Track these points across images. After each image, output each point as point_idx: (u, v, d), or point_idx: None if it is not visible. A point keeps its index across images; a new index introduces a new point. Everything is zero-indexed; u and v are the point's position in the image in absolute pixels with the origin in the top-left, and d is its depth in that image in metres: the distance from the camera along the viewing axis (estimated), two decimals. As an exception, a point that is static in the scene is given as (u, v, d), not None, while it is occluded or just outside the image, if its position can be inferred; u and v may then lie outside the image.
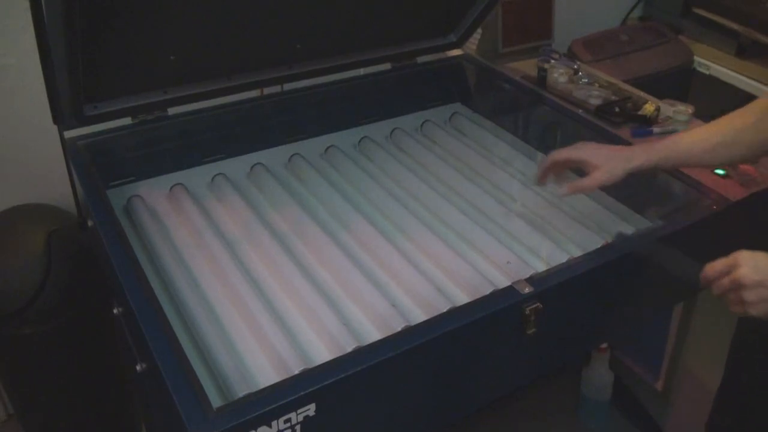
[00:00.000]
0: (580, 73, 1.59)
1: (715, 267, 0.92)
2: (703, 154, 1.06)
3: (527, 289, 0.96)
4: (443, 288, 1.09)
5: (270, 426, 0.78)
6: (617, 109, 1.45)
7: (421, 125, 1.60)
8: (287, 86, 1.46)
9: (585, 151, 1.10)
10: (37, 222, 1.43)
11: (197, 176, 1.36)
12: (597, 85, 1.55)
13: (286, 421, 0.79)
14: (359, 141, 1.52)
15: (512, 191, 1.36)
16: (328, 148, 1.48)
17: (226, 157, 1.41)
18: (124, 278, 0.96)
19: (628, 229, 1.22)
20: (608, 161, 1.07)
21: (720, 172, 1.25)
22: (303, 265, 1.14)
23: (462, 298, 1.06)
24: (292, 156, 1.44)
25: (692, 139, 1.08)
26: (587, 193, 1.14)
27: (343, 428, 0.89)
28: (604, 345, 1.67)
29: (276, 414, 0.78)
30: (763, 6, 1.87)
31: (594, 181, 1.07)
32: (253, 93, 1.43)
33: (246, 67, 1.33)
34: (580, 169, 1.12)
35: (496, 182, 1.40)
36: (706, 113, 1.26)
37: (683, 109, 1.43)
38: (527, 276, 1.01)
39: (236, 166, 1.40)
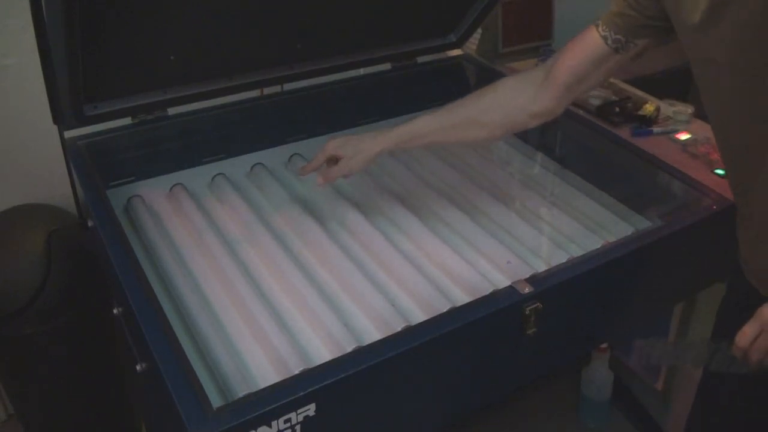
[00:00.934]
0: (580, 73, 1.59)
1: (746, 334, 0.88)
2: (447, 137, 1.15)
3: (527, 289, 0.96)
4: (443, 288, 1.09)
5: (270, 426, 0.78)
6: (617, 109, 1.45)
7: (421, 125, 1.60)
8: (287, 86, 1.46)
9: (330, 145, 1.17)
10: (37, 222, 1.43)
11: (197, 176, 1.36)
12: (597, 85, 1.55)
13: (286, 421, 0.79)
14: (359, 141, 1.52)
15: (512, 191, 1.36)
16: (328, 148, 1.48)
17: (226, 157, 1.41)
18: (124, 278, 0.95)
19: (628, 229, 1.22)
20: (354, 149, 1.15)
21: (720, 172, 1.25)
22: (303, 265, 1.14)
23: (462, 298, 1.06)
24: (292, 156, 1.44)
25: (431, 123, 1.15)
26: (337, 177, 1.19)
27: (343, 428, 0.89)
28: (604, 345, 1.67)
29: (276, 414, 0.78)
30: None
31: (343, 170, 1.14)
32: (253, 93, 1.43)
33: (246, 67, 1.33)
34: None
35: (496, 182, 1.40)
36: (706, 113, 1.26)
37: (683, 109, 1.43)
38: (527, 276, 1.01)
39: (236, 166, 1.40)
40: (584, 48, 1.03)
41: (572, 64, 1.04)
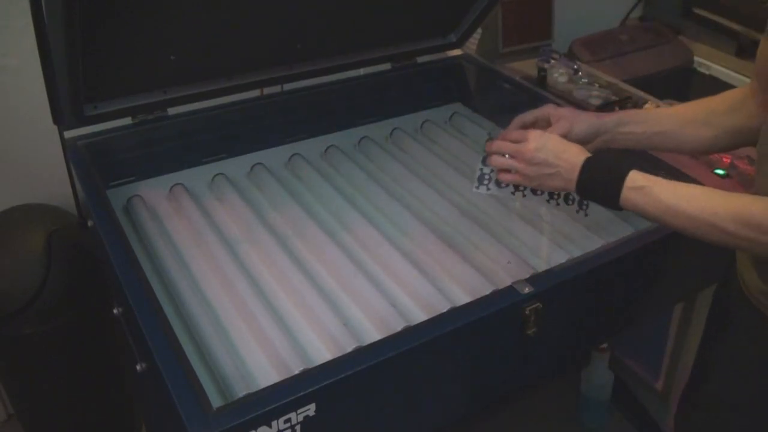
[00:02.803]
0: (580, 73, 1.59)
1: (507, 135, 1.05)
2: (673, 128, 1.08)
3: (527, 289, 0.96)
4: (443, 288, 1.09)
5: (270, 426, 0.78)
6: (617, 109, 1.45)
7: (421, 125, 1.60)
8: (287, 86, 1.46)
9: (551, 108, 1.13)
10: (37, 222, 1.43)
11: (197, 176, 1.36)
12: (597, 85, 1.55)
13: (286, 421, 0.79)
14: (359, 141, 1.52)
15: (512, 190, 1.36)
16: (328, 148, 1.48)
17: (226, 157, 1.41)
18: (124, 278, 0.96)
19: (628, 229, 1.22)
20: (573, 113, 1.11)
21: (720, 172, 1.25)
22: (303, 265, 1.14)
23: (462, 298, 1.06)
24: (292, 156, 1.44)
25: (665, 112, 1.10)
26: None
27: (343, 428, 0.89)
28: (604, 345, 1.67)
29: (276, 414, 0.78)
30: (763, 6, 1.86)
31: (557, 130, 1.08)
32: (253, 93, 1.43)
33: (246, 67, 1.33)
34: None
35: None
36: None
37: (683, 109, 1.43)
38: (527, 276, 1.01)
39: (236, 166, 1.40)
40: None
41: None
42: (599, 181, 0.95)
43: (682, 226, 0.89)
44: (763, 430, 1.00)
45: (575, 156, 0.98)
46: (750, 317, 0.96)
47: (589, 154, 0.98)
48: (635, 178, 0.92)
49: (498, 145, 1.07)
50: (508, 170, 1.06)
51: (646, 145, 1.12)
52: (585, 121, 1.10)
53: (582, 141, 1.09)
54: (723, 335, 1.05)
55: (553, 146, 1.00)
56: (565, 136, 1.07)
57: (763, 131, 0.91)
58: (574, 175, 0.97)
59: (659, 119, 1.09)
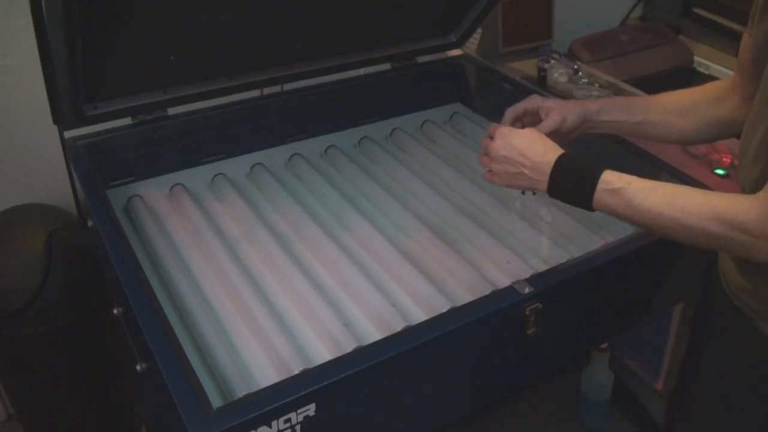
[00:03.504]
0: (580, 73, 1.59)
1: (488, 129, 1.02)
2: (656, 116, 1.06)
3: (527, 289, 0.96)
4: (443, 288, 1.09)
5: (270, 426, 0.78)
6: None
7: (421, 125, 1.60)
8: (287, 86, 1.46)
9: (538, 99, 1.11)
10: (37, 222, 1.43)
11: (197, 176, 1.36)
12: (597, 85, 1.55)
13: (286, 421, 0.79)
14: (359, 141, 1.52)
15: (512, 191, 1.36)
16: (328, 148, 1.48)
17: (226, 157, 1.41)
18: (124, 278, 0.96)
19: (628, 229, 1.22)
20: (561, 104, 1.09)
21: (720, 172, 1.25)
22: (303, 265, 1.14)
23: (462, 298, 1.06)
24: (292, 156, 1.44)
25: (648, 101, 1.09)
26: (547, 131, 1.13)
27: (343, 428, 0.89)
28: (604, 345, 1.66)
29: (276, 414, 0.78)
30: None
31: (550, 122, 1.07)
32: (253, 93, 1.43)
33: (246, 67, 1.33)
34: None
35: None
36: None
37: (683, 109, 1.43)
38: (527, 276, 1.01)
39: (236, 166, 1.40)
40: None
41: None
42: (570, 182, 0.91)
43: (662, 229, 0.85)
44: (746, 427, 1.00)
45: (540, 155, 0.94)
46: (730, 315, 0.96)
47: (560, 152, 0.94)
48: (609, 180, 0.87)
49: (482, 142, 1.05)
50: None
51: (628, 133, 1.11)
52: (575, 110, 1.08)
53: (573, 130, 1.09)
54: (706, 333, 1.06)
55: (518, 143, 0.96)
56: (559, 128, 1.07)
57: (745, 125, 0.91)
58: (542, 175, 0.93)
59: (642, 107, 1.08)
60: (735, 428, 1.01)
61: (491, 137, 1.02)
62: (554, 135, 1.10)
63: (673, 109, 1.06)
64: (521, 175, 0.96)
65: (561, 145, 0.98)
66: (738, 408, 0.99)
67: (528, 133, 0.98)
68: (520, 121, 1.13)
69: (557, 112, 1.07)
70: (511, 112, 1.12)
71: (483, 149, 1.03)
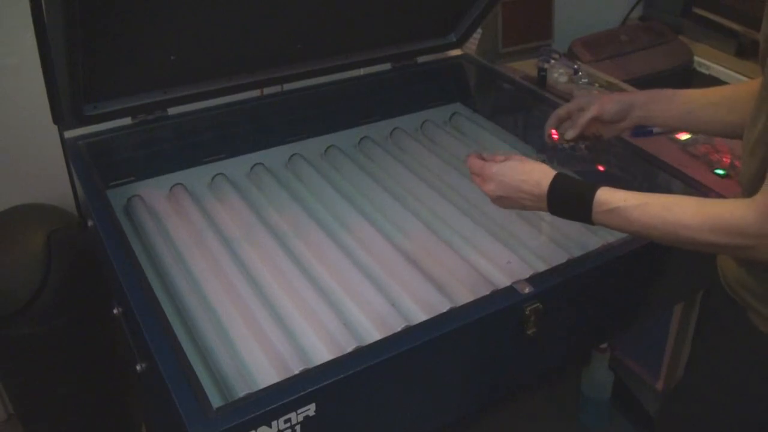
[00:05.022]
0: (580, 73, 1.59)
1: (473, 166, 1.01)
2: (701, 109, 1.06)
3: (527, 289, 0.96)
4: (443, 288, 1.09)
5: (270, 426, 0.78)
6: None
7: (421, 125, 1.60)
8: (287, 86, 1.46)
9: (581, 98, 1.18)
10: (37, 222, 1.43)
11: (197, 176, 1.36)
12: (597, 85, 1.55)
13: (286, 421, 0.79)
14: (359, 141, 1.52)
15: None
16: (328, 148, 1.48)
17: (226, 157, 1.41)
18: (124, 278, 0.96)
19: (628, 229, 1.22)
20: (601, 97, 1.14)
21: (720, 172, 1.25)
22: (303, 265, 1.14)
23: (462, 298, 1.06)
24: (292, 156, 1.44)
25: (694, 93, 1.09)
26: (583, 125, 1.16)
27: (343, 428, 0.89)
28: (604, 345, 1.67)
29: (276, 414, 0.78)
30: (763, 6, 1.86)
31: (588, 114, 1.13)
32: (253, 93, 1.43)
33: (246, 67, 1.33)
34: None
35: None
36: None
37: (683, 109, 1.43)
38: (527, 276, 1.01)
39: (236, 166, 1.40)
40: None
41: None
42: (568, 207, 0.93)
43: (664, 242, 0.87)
44: (740, 427, 1.00)
45: (536, 186, 0.95)
46: (727, 309, 0.97)
47: (551, 175, 0.94)
48: (604, 201, 0.89)
49: (472, 177, 1.04)
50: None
51: (676, 125, 1.12)
52: (613, 101, 1.11)
53: (613, 120, 1.12)
54: (705, 330, 1.06)
55: (510, 181, 0.97)
56: (599, 118, 1.11)
57: (748, 117, 0.91)
58: (542, 202, 0.95)
59: (688, 99, 1.08)
60: (724, 425, 1.01)
61: (477, 174, 1.01)
62: (607, 128, 1.16)
63: (720, 102, 1.05)
64: (524, 205, 0.98)
65: (613, 137, 1.10)
66: (731, 406, 1.00)
67: (516, 165, 0.98)
68: (564, 122, 1.20)
69: (594, 105, 1.13)
70: (555, 115, 1.20)
71: (475, 182, 1.03)
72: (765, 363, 0.94)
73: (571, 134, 1.17)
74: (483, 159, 1.02)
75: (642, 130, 1.39)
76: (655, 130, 1.39)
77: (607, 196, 0.89)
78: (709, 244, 0.82)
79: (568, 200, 0.93)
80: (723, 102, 1.05)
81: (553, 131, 1.22)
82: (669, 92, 1.11)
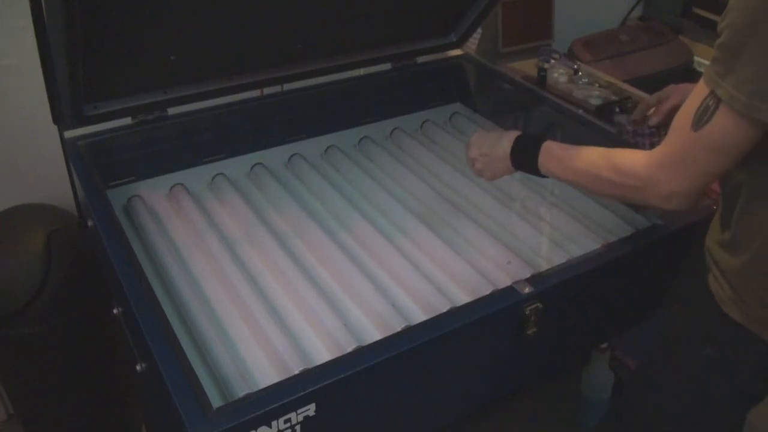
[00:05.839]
0: (580, 73, 1.59)
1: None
2: None
3: (527, 289, 0.96)
4: (443, 288, 1.09)
5: (270, 426, 0.78)
6: (617, 109, 1.45)
7: (421, 125, 1.60)
8: (287, 86, 1.46)
9: (669, 88, 1.25)
10: (37, 222, 1.43)
11: (197, 176, 1.36)
12: (597, 85, 1.55)
13: (286, 421, 0.79)
14: (359, 141, 1.52)
15: (512, 191, 1.36)
16: (328, 148, 1.48)
17: (226, 157, 1.41)
18: (124, 278, 0.96)
19: (628, 229, 1.22)
20: (681, 87, 1.21)
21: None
22: (303, 265, 1.14)
23: (462, 298, 1.06)
24: (292, 156, 1.44)
25: None
26: (665, 112, 1.24)
27: (343, 428, 0.89)
28: (604, 345, 1.66)
29: (276, 414, 0.78)
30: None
31: (671, 101, 1.22)
32: (253, 93, 1.43)
33: (246, 67, 1.33)
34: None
35: (496, 182, 1.39)
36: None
37: (683, 109, 1.43)
38: (527, 276, 1.01)
39: (236, 166, 1.40)
40: None
41: None
42: (524, 154, 1.07)
43: (583, 184, 1.00)
44: (689, 399, 1.02)
45: (497, 146, 1.11)
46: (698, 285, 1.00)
47: (515, 135, 1.10)
48: (548, 147, 1.04)
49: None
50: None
51: None
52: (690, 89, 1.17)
53: None
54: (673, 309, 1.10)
55: (484, 139, 1.15)
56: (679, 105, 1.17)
57: None
58: (507, 158, 1.10)
59: None
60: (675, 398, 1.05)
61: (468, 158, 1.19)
62: None
63: None
64: (496, 160, 1.12)
65: None
66: (677, 373, 1.04)
67: (486, 134, 1.16)
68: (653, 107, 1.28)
69: (676, 93, 1.21)
70: (645, 102, 1.30)
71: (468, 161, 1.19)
72: (710, 323, 0.97)
73: (654, 120, 1.26)
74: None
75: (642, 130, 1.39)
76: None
77: (552, 145, 1.05)
78: (609, 181, 0.93)
79: (523, 149, 1.08)
80: None
81: (638, 120, 1.29)
82: None
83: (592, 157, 0.97)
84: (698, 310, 1.01)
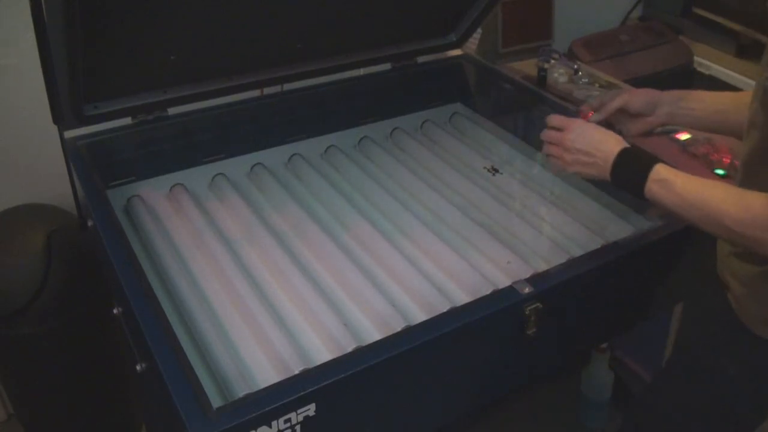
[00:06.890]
0: (580, 73, 1.59)
1: (552, 121, 1.09)
2: (730, 109, 1.08)
3: (527, 289, 0.96)
4: (443, 288, 1.09)
5: (270, 426, 0.78)
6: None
7: (421, 125, 1.60)
8: (287, 86, 1.46)
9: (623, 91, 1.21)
10: (37, 222, 1.43)
11: (197, 176, 1.36)
12: (597, 85, 1.55)
13: (286, 421, 0.79)
14: (359, 141, 1.52)
15: (512, 191, 1.36)
16: (328, 148, 1.48)
17: (226, 157, 1.41)
18: (124, 278, 0.95)
19: (628, 229, 1.22)
20: (631, 90, 1.18)
21: (720, 172, 1.25)
22: (303, 265, 1.14)
23: (462, 298, 1.06)
24: (292, 156, 1.44)
25: (723, 94, 1.12)
26: (608, 111, 1.19)
27: (343, 428, 0.89)
28: (604, 345, 1.67)
29: (276, 414, 0.78)
30: (763, 6, 1.86)
31: (615, 102, 1.16)
32: (253, 93, 1.43)
33: (246, 67, 1.33)
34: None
35: (496, 182, 1.39)
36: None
37: (683, 109, 1.43)
38: (527, 276, 1.01)
39: (236, 166, 1.40)
40: None
41: None
42: (629, 171, 0.98)
43: (696, 221, 0.91)
44: (712, 407, 1.02)
45: (612, 147, 1.00)
46: (714, 295, 0.99)
47: (625, 145, 1.00)
48: (659, 171, 0.94)
49: (545, 134, 1.10)
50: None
51: (705, 125, 1.13)
52: (641, 95, 1.14)
53: (640, 113, 1.14)
54: (689, 316, 1.09)
55: (591, 136, 1.03)
56: (625, 109, 1.14)
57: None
58: (609, 164, 1.00)
59: (717, 99, 1.10)
60: (697, 406, 1.04)
61: (558, 128, 1.08)
62: (633, 122, 1.18)
63: (747, 103, 1.05)
64: (593, 164, 1.02)
65: (643, 133, 1.14)
66: (701, 383, 1.03)
67: (588, 128, 1.05)
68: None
69: (621, 96, 1.16)
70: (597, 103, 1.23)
71: (551, 140, 1.08)
72: (734, 341, 0.96)
73: (595, 117, 1.20)
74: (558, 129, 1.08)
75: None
76: (656, 129, 1.39)
77: (665, 169, 0.94)
78: (736, 234, 0.85)
79: (630, 166, 0.98)
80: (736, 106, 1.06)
81: (590, 113, 1.23)
82: (699, 92, 1.14)
83: (722, 201, 0.87)
84: (718, 327, 0.99)
